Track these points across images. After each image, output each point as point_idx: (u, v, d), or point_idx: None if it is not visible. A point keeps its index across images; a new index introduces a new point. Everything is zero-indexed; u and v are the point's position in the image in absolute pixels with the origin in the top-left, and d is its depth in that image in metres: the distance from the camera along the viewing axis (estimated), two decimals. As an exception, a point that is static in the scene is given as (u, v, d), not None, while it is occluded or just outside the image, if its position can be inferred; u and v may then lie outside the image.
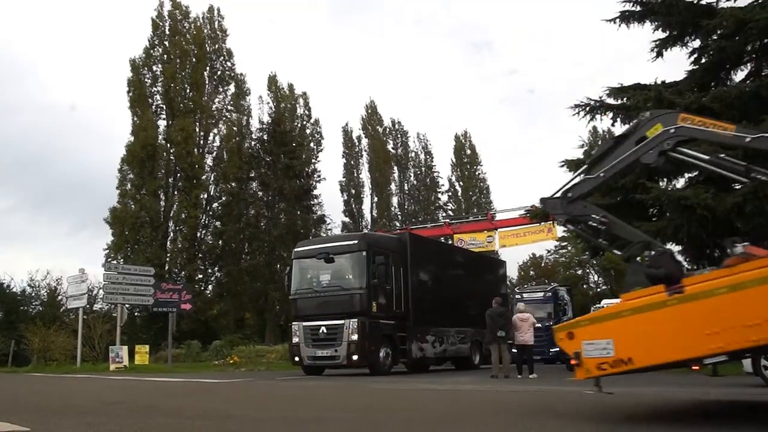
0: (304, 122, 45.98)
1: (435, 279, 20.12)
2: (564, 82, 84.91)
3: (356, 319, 16.31)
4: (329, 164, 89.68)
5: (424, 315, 18.59)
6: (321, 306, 17.00)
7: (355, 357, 16.14)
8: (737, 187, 16.53)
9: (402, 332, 17.65)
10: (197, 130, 38.83)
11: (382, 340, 16.95)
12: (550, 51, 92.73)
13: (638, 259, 6.15)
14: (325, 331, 16.62)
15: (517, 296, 31.92)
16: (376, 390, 11.06)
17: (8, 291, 34.87)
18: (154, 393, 9.86)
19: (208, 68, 40.10)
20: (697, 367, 6.01)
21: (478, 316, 20.64)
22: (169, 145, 37.87)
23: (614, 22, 20.08)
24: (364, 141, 52.27)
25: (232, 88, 41.53)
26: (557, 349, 31.28)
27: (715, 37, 18.56)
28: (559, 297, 31.09)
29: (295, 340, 17.29)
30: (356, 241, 17.55)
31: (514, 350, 16.29)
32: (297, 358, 17.28)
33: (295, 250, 18.86)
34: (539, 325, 18.78)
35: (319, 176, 41.10)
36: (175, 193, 38.12)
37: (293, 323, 17.68)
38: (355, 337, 16.17)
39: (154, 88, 38.80)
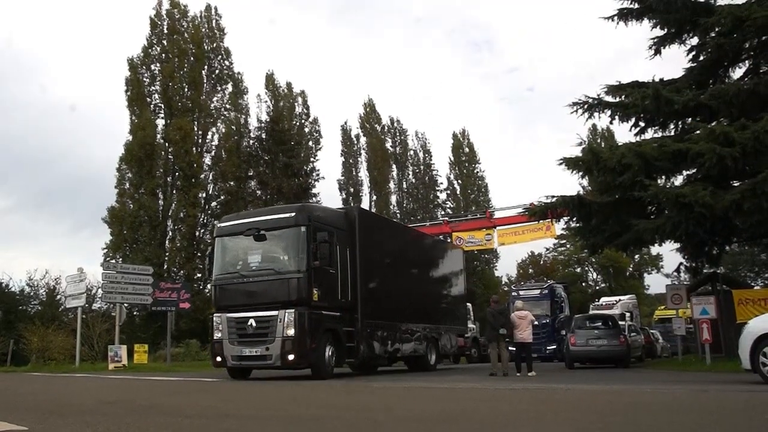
0: (303, 121, 45.98)
1: (387, 265, 17.26)
2: (564, 80, 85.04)
3: (293, 310, 13.30)
4: (328, 163, 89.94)
5: (374, 307, 15.81)
6: (249, 294, 14.00)
7: (291, 357, 13.21)
8: (735, 185, 16.59)
9: (349, 327, 14.78)
10: (195, 129, 38.77)
11: (326, 336, 14.00)
12: (550, 50, 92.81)
13: None
14: (254, 324, 13.60)
15: (513, 293, 31.86)
16: (377, 389, 11.06)
17: (7, 290, 34.75)
18: (152, 392, 9.86)
19: (206, 67, 40.03)
20: None
21: (434, 311, 19.64)
22: (167, 144, 37.81)
23: (612, 20, 20.15)
24: (363, 139, 52.28)
25: (230, 87, 41.47)
26: (554, 346, 31.46)
27: (713, 35, 18.61)
28: (556, 294, 30.91)
29: (217, 335, 14.20)
30: (293, 214, 14.16)
31: (511, 348, 16.31)
32: (219, 358, 14.14)
33: (218, 225, 15.65)
34: (536, 322, 18.70)
35: (317, 175, 41.09)
36: (174, 192, 38.03)
37: (215, 315, 14.53)
38: (291, 331, 13.24)
39: (153, 87, 38.73)
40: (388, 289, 16.85)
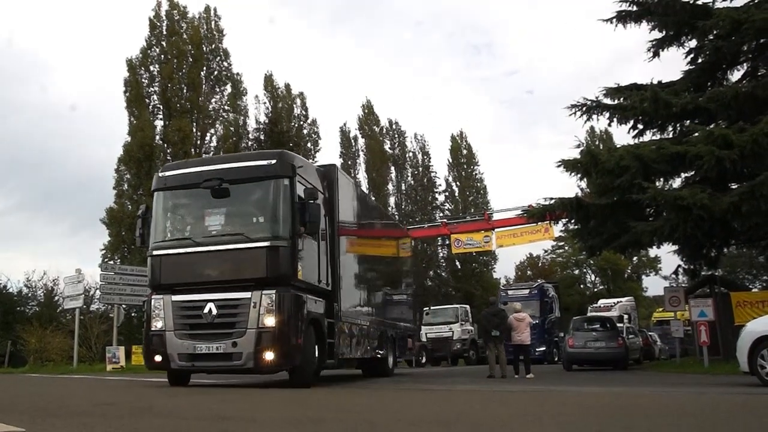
0: (301, 122, 45.88)
1: (360, 244, 14.61)
2: (563, 82, 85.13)
3: (273, 291, 9.87)
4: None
5: (351, 295, 13.28)
6: (206, 268, 10.47)
7: (269, 356, 9.76)
8: (734, 187, 16.61)
9: (330, 318, 11.63)
10: (194, 130, 38.73)
11: (310, 330, 10.57)
12: (549, 52, 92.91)
13: None
14: (213, 311, 10.09)
15: (502, 293, 31.66)
16: (374, 392, 11.05)
17: (5, 291, 34.75)
18: (150, 394, 9.84)
19: (204, 68, 40.01)
20: None
21: (393, 306, 17.48)
22: (166, 145, 37.77)
23: (611, 22, 20.17)
24: (361, 141, 52.27)
25: (228, 88, 41.40)
26: (543, 348, 31.17)
27: (712, 38, 18.66)
28: (546, 294, 30.41)
29: (157, 325, 10.43)
30: (273, 161, 10.56)
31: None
32: (158, 357, 10.37)
33: (160, 174, 11.44)
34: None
35: (316, 176, 40.88)
36: (172, 193, 38.03)
37: (153, 297, 10.68)
38: (270, 321, 9.79)
39: (151, 89, 38.69)
40: (360, 275, 14.22)
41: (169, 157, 37.68)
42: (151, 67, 38.85)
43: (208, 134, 39.87)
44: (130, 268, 25.65)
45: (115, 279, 23.23)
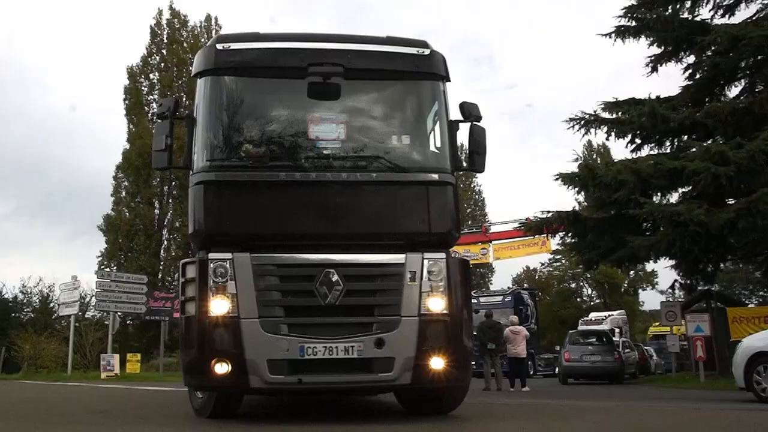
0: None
1: None
2: (562, 96, 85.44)
3: (442, 256, 6.19)
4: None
5: None
6: (322, 210, 6.18)
7: (439, 363, 5.91)
8: (730, 203, 16.67)
9: None
10: (193, 138, 38.86)
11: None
12: (549, 66, 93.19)
13: None
14: (338, 284, 5.91)
15: (473, 300, 30.22)
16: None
17: (0, 297, 34.65)
18: (144, 402, 9.80)
19: (204, 77, 40.20)
20: None
21: None
22: (164, 152, 37.88)
23: (610, 37, 20.31)
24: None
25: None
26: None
27: (710, 53, 18.82)
28: (521, 302, 27.97)
29: (221, 307, 5.79)
30: (426, 51, 6.61)
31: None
32: (224, 367, 5.72)
33: (220, 47, 6.43)
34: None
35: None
36: (170, 201, 38.09)
37: (209, 258, 5.90)
38: (439, 304, 6.04)
39: (151, 96, 38.86)
40: None
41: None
42: (151, 75, 39.05)
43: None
44: (126, 275, 25.60)
45: (111, 286, 23.14)
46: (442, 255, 6.15)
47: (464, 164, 7.08)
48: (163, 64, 39.15)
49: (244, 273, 5.83)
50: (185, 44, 39.71)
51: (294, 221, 6.10)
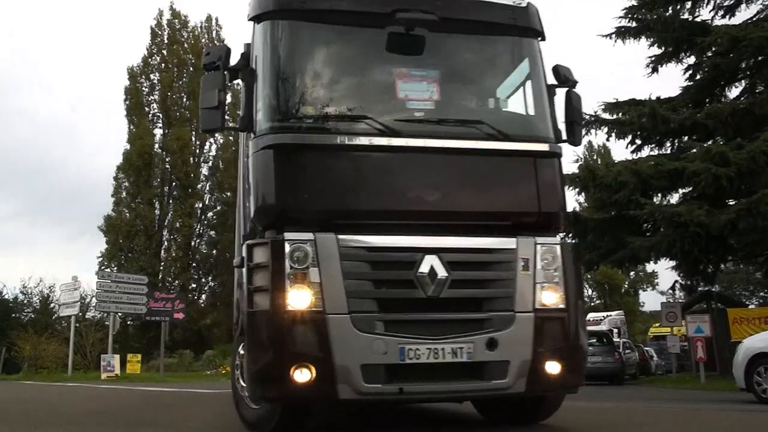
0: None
1: None
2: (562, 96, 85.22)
3: (557, 241, 5.18)
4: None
5: None
6: (419, 184, 4.97)
7: (555, 368, 4.88)
8: (731, 204, 16.67)
9: None
10: (193, 139, 38.84)
11: None
12: (549, 65, 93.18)
13: None
14: (441, 272, 4.78)
15: None
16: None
17: (1, 298, 34.66)
18: (144, 402, 9.79)
19: (205, 77, 40.20)
20: None
21: None
22: (165, 153, 37.87)
23: (610, 38, 20.31)
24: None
25: (228, 98, 41.58)
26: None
27: (710, 54, 18.81)
28: None
29: (302, 299, 4.59)
30: (523, 4, 5.58)
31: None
32: (306, 374, 4.50)
33: None
34: None
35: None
36: (170, 201, 38.11)
37: (285, 239, 4.65)
38: (554, 297, 5.02)
39: (151, 97, 38.91)
40: None
41: (168, 166, 37.75)
42: (152, 76, 39.06)
43: (208, 143, 39.96)
44: (126, 276, 25.63)
45: (112, 287, 23.15)
46: (556, 239, 5.21)
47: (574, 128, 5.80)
48: (163, 65, 39.17)
49: (330, 258, 4.70)
50: (185, 45, 39.74)
51: (387, 196, 5.01)
